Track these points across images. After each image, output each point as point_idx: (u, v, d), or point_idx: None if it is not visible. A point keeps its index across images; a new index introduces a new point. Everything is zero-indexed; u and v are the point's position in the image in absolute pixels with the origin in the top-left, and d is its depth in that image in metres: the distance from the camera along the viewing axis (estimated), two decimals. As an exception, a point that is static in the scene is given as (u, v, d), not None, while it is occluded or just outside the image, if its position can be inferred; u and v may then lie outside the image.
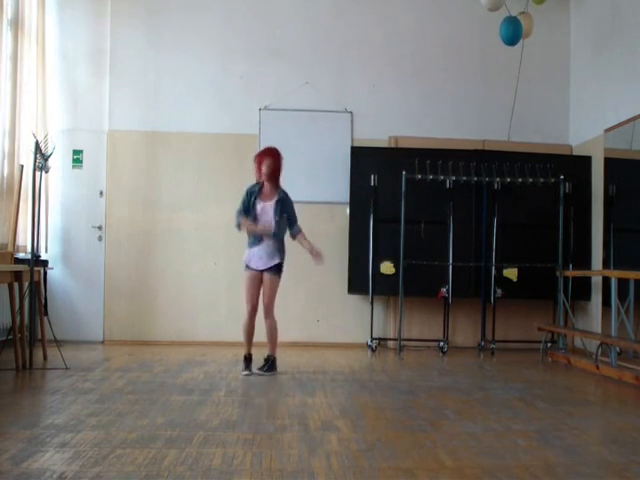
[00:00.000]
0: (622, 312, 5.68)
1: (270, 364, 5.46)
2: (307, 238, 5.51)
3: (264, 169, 5.48)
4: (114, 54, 7.36)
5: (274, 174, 5.51)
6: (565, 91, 7.79)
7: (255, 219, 5.45)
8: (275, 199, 5.47)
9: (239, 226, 5.53)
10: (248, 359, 5.45)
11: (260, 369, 5.42)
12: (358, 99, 7.56)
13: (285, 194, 5.55)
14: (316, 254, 5.45)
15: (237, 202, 7.29)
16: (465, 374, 5.74)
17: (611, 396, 4.98)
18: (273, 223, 5.41)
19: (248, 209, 5.48)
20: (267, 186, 5.52)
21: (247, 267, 5.49)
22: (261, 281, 5.47)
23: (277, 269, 5.46)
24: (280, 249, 5.46)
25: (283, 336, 7.25)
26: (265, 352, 5.51)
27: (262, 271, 5.45)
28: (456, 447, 3.29)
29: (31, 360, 5.38)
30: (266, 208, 5.45)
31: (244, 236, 7.35)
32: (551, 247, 7.05)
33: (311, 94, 7.49)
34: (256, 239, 5.45)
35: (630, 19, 6.54)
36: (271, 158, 5.50)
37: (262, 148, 5.86)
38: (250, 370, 5.40)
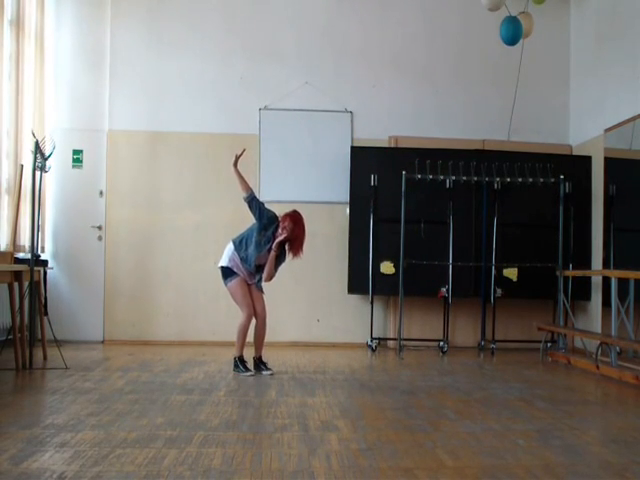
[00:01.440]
0: (622, 312, 5.69)
1: (264, 363, 5.52)
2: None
3: (284, 234, 5.34)
4: (114, 54, 7.36)
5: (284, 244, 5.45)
6: (565, 91, 7.79)
7: (259, 249, 5.37)
8: (272, 249, 5.39)
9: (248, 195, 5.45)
10: (244, 360, 5.46)
11: (266, 370, 5.46)
12: (358, 99, 7.57)
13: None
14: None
15: (237, 202, 7.31)
16: (465, 374, 5.74)
17: (611, 396, 4.98)
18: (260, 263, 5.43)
19: (262, 213, 5.43)
20: (276, 243, 5.38)
21: (235, 273, 5.42)
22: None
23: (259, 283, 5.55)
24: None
25: (283, 336, 7.30)
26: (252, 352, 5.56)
27: (248, 284, 5.50)
28: (456, 447, 3.29)
29: (31, 360, 5.38)
30: (265, 255, 5.39)
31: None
32: (551, 247, 7.05)
33: (311, 94, 7.49)
34: (252, 268, 5.40)
35: (630, 19, 6.54)
36: (295, 233, 5.37)
37: (298, 217, 5.47)
38: (252, 370, 5.42)
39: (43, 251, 7.01)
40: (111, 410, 3.92)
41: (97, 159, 7.32)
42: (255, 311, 5.47)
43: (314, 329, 7.40)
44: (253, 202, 5.48)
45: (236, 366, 5.42)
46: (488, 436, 3.52)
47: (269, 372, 5.44)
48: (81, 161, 7.31)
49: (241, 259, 5.43)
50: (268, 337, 7.32)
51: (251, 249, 5.40)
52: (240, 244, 5.47)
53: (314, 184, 7.43)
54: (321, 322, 7.42)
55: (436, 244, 7.08)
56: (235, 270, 5.43)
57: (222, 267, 5.48)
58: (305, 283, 7.40)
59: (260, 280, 5.51)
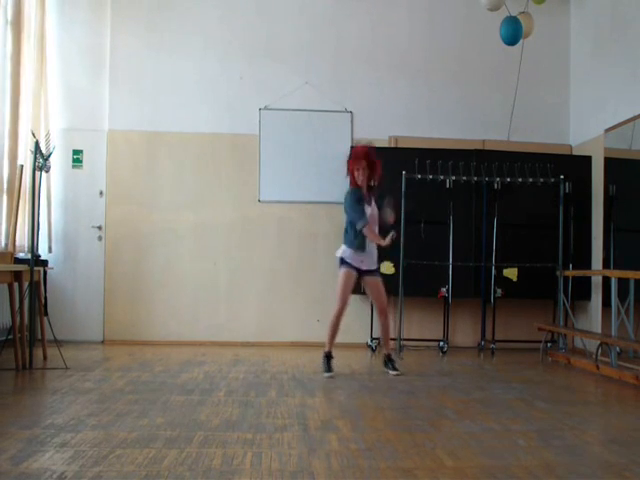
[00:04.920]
0: (622, 312, 5.69)
1: (392, 361, 5.56)
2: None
3: (361, 176, 5.39)
4: (114, 54, 7.36)
5: (370, 178, 5.45)
6: (565, 91, 7.79)
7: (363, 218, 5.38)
8: (373, 202, 5.48)
9: (363, 227, 5.33)
10: (330, 357, 5.48)
11: (392, 370, 5.49)
12: (358, 99, 7.57)
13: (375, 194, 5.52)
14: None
15: (237, 202, 7.41)
16: (465, 374, 5.74)
17: (611, 396, 4.98)
18: (377, 227, 5.44)
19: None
20: (365, 190, 5.48)
21: (345, 263, 5.41)
22: (358, 280, 5.49)
23: (379, 271, 5.60)
24: (377, 254, 5.55)
25: (283, 336, 7.31)
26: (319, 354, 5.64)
27: (362, 272, 5.46)
28: (456, 447, 3.29)
29: (31, 360, 5.38)
30: (374, 214, 5.45)
31: (243, 236, 7.40)
32: (551, 247, 7.05)
33: (311, 94, 7.49)
34: (361, 246, 5.38)
35: (630, 19, 6.54)
36: (365, 162, 5.39)
37: (355, 150, 5.62)
38: (333, 370, 5.42)
39: (50, 251, 7.02)
40: (111, 410, 3.92)
41: (97, 159, 7.32)
42: (377, 306, 5.56)
43: (314, 329, 7.38)
44: (362, 213, 5.40)
45: (323, 362, 5.46)
46: (488, 436, 3.52)
47: (395, 373, 5.43)
48: (81, 161, 7.31)
49: (358, 248, 5.35)
50: (268, 337, 7.38)
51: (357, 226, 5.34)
52: (347, 237, 5.42)
53: (314, 184, 7.43)
54: (321, 322, 7.40)
55: (436, 244, 7.08)
56: (349, 260, 5.40)
57: (340, 257, 5.45)
58: (305, 283, 7.40)
59: (378, 267, 5.54)
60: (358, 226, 5.32)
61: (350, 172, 5.46)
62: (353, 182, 5.47)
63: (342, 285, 5.42)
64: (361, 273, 5.47)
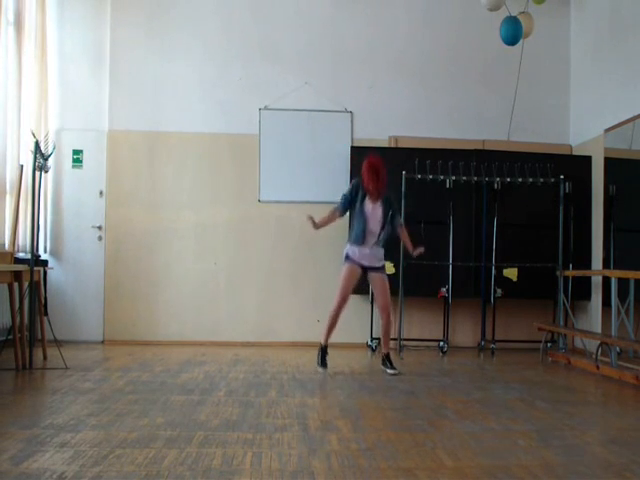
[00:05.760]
0: (622, 312, 5.69)
1: (390, 361, 5.58)
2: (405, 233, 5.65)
3: (377, 184, 5.42)
4: (114, 54, 7.36)
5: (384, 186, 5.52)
6: (565, 91, 7.79)
7: (365, 220, 5.43)
8: (379, 202, 5.50)
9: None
10: (326, 351, 5.53)
11: (390, 370, 5.53)
12: (358, 99, 7.57)
13: (389, 193, 5.57)
14: (415, 250, 5.53)
15: (236, 202, 7.42)
16: (465, 374, 5.74)
17: (611, 396, 4.98)
18: (379, 226, 5.46)
19: (348, 203, 5.52)
20: (375, 191, 5.50)
21: (348, 258, 5.49)
22: (360, 276, 5.53)
23: (383, 269, 5.56)
24: (383, 251, 5.56)
25: (283, 336, 7.31)
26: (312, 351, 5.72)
27: (366, 268, 5.50)
28: (456, 447, 3.29)
29: (31, 360, 5.38)
30: (375, 209, 5.47)
31: (243, 236, 7.41)
32: (551, 247, 7.06)
33: (311, 94, 7.49)
34: (358, 240, 5.44)
35: (630, 19, 6.54)
36: (383, 171, 5.46)
37: (376, 157, 5.64)
38: (327, 367, 5.46)
39: (48, 251, 7.02)
40: (111, 410, 3.92)
41: (97, 159, 7.31)
42: (378, 304, 5.57)
43: (314, 329, 7.37)
44: (342, 202, 5.56)
45: (318, 355, 5.53)
46: (488, 436, 3.52)
47: (392, 372, 5.47)
48: (81, 161, 7.31)
49: (355, 242, 5.45)
50: (268, 337, 7.38)
51: (355, 224, 5.46)
52: (349, 233, 5.57)
53: (314, 184, 7.43)
54: (321, 322, 7.39)
55: (436, 244, 7.08)
56: (351, 256, 5.48)
57: (344, 253, 5.57)
58: (305, 283, 7.40)
59: (383, 265, 5.54)
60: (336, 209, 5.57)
61: (365, 178, 5.51)
62: (367, 183, 5.53)
63: (343, 279, 5.49)
64: (365, 270, 5.51)
